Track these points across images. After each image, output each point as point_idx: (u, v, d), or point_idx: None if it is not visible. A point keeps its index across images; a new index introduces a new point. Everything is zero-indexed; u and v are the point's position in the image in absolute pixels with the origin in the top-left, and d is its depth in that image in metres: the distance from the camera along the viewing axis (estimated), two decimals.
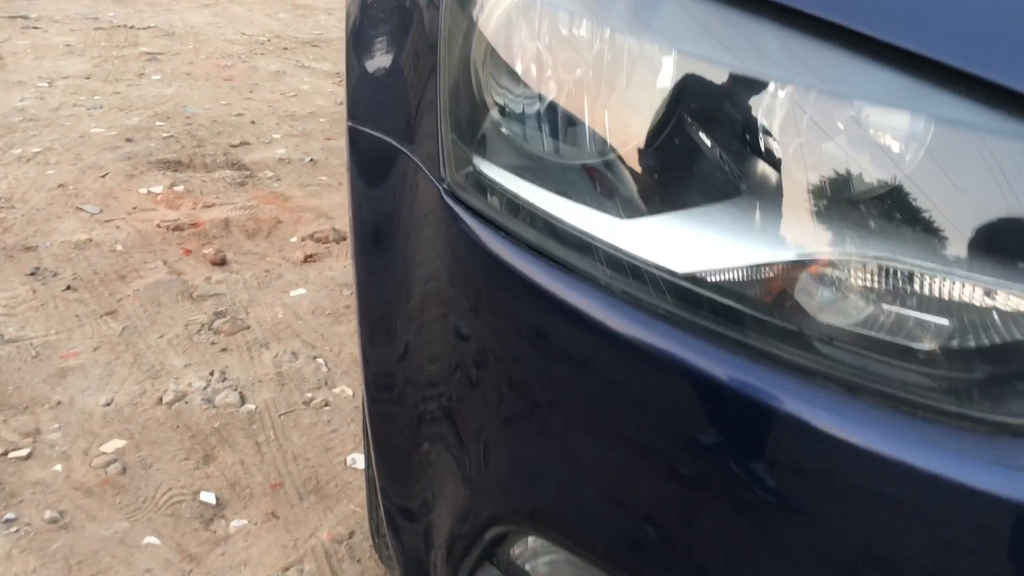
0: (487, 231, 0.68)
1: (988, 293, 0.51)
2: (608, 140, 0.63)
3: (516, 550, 0.76)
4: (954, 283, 0.51)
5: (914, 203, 0.52)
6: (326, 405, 1.82)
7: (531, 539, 0.75)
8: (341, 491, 1.60)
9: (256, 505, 1.56)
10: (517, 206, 0.67)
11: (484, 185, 0.70)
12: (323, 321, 2.13)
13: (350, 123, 0.92)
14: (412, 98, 0.82)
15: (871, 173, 0.53)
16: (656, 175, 0.61)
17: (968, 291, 0.51)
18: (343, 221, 2.64)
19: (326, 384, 1.90)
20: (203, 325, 2.07)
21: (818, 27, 0.54)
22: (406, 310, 0.81)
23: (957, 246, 0.51)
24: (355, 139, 0.90)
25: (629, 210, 0.62)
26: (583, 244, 0.62)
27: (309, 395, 1.86)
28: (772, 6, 0.55)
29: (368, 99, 0.92)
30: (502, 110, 0.70)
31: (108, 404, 1.79)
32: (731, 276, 0.57)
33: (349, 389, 1.88)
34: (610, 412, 0.62)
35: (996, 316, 0.51)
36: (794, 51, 0.55)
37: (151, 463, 1.64)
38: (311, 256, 2.42)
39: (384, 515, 0.95)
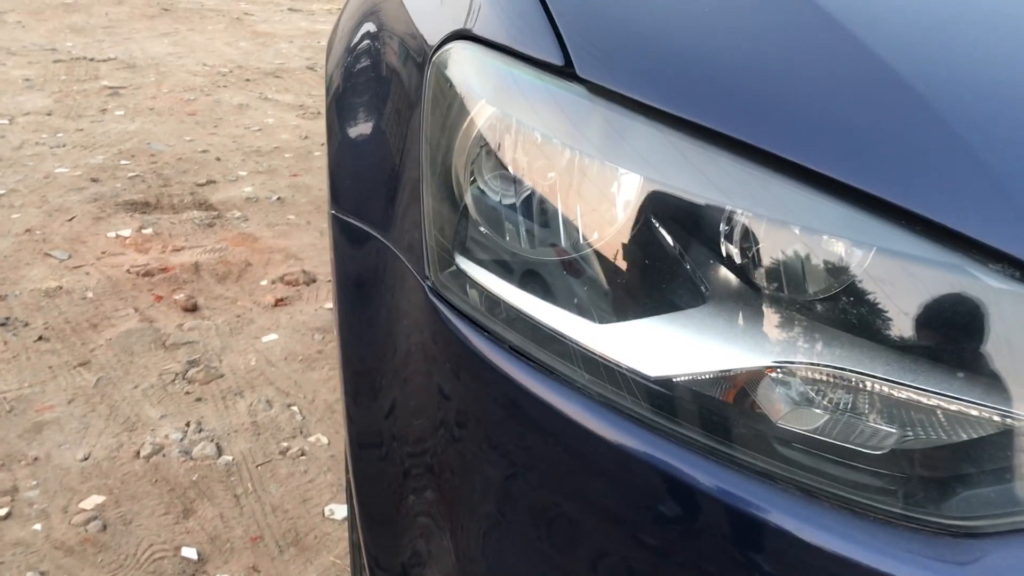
0: (471, 331, 0.73)
1: (929, 401, 0.57)
2: (580, 244, 0.68)
3: None
4: (899, 391, 0.57)
5: (860, 316, 0.58)
6: (302, 454, 1.85)
7: None
8: (320, 543, 1.63)
9: (237, 559, 1.58)
10: (499, 307, 0.72)
11: (466, 285, 0.75)
12: (296, 367, 2.16)
13: (333, 212, 0.97)
14: (395, 193, 0.86)
15: (821, 285, 0.59)
16: (627, 283, 0.67)
17: (911, 399, 0.57)
18: (312, 262, 2.67)
19: (301, 433, 1.93)
20: (177, 374, 2.09)
21: (773, 161, 0.60)
22: (390, 369, 0.85)
23: (901, 358, 0.57)
24: (339, 228, 0.95)
25: (603, 315, 0.67)
26: (562, 348, 0.68)
27: (285, 444, 1.88)
28: (731, 140, 0.62)
29: (351, 188, 0.96)
30: (481, 211, 0.75)
31: (86, 459, 1.80)
32: (698, 380, 0.63)
33: (324, 437, 1.91)
34: (587, 514, 0.67)
35: (936, 423, 0.57)
36: (749, 181, 0.61)
37: (131, 519, 1.66)
38: (282, 300, 2.44)
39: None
